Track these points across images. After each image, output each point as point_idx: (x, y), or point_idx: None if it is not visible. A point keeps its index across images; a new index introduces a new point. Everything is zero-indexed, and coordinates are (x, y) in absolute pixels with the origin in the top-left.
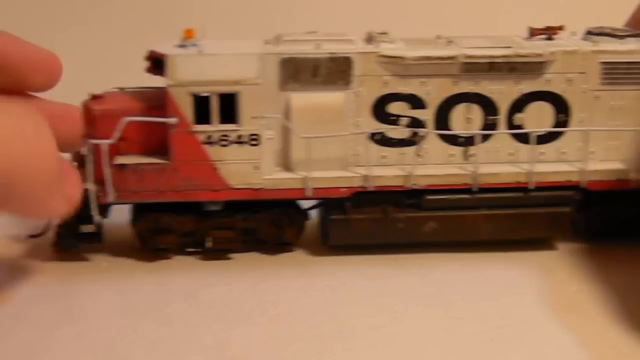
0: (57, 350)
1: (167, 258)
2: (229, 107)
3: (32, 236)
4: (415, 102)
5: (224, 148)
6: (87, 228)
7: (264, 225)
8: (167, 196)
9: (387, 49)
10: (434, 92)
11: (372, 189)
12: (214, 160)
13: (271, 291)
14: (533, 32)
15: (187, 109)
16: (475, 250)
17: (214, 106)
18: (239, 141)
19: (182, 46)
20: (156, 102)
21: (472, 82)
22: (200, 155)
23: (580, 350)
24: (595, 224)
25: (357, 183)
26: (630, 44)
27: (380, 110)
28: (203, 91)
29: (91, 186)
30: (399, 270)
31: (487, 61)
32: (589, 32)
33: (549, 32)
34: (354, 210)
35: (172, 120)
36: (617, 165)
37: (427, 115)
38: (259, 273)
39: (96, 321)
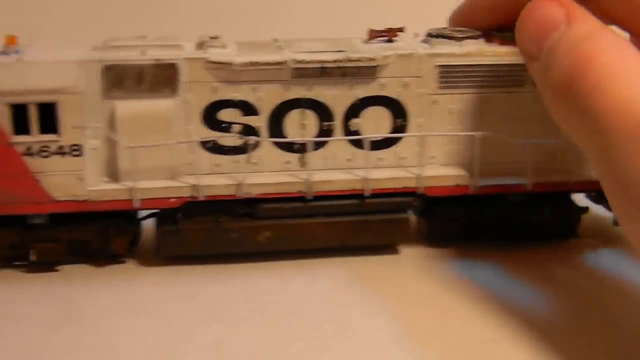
0: (57, 350)
1: None
2: (49, 116)
3: None
4: (247, 108)
5: (44, 159)
6: None
7: (91, 236)
8: None
9: (215, 54)
10: (266, 98)
11: (202, 198)
12: (34, 172)
13: (271, 291)
14: (371, 35)
15: (4, 119)
16: None
17: (33, 116)
18: (60, 152)
19: (3, 53)
20: None
21: (305, 88)
22: (21, 167)
23: None
24: (435, 228)
25: (187, 193)
26: (468, 46)
27: (211, 117)
28: (21, 101)
29: None
30: (398, 270)
31: (318, 66)
32: (429, 34)
33: (389, 35)
34: (185, 221)
35: None
36: (456, 171)
37: (260, 121)
38: (259, 273)
39: (95, 321)
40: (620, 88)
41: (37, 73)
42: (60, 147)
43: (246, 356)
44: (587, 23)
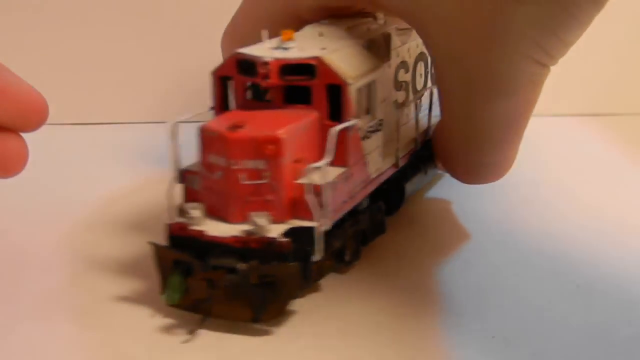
0: (58, 348)
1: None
2: (367, 96)
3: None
4: (405, 66)
5: (368, 140)
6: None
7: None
8: (348, 205)
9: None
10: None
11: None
12: (365, 154)
13: None
14: None
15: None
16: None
17: (362, 98)
18: (377, 129)
19: (279, 48)
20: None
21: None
22: (361, 153)
23: None
24: None
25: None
26: None
27: (396, 79)
28: (361, 85)
29: (317, 222)
30: (402, 269)
31: None
32: None
33: None
34: None
35: (355, 122)
36: None
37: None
38: None
39: (97, 319)
40: None
41: (358, 57)
42: (377, 124)
43: (247, 354)
44: None
